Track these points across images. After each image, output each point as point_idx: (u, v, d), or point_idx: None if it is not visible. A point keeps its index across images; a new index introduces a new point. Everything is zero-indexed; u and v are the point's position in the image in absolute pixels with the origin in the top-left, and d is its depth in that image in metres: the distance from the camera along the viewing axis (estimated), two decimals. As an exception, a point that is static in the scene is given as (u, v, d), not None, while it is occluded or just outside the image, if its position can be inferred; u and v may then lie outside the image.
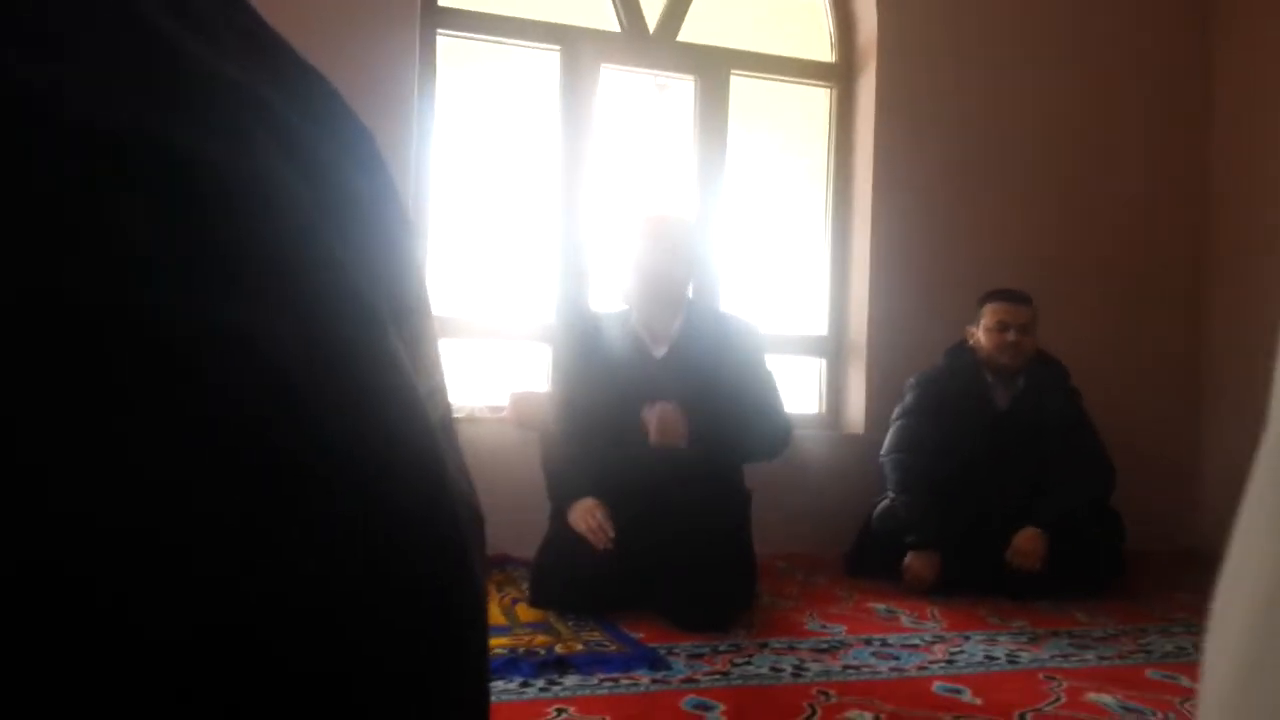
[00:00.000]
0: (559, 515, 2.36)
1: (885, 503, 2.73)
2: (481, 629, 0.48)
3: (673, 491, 2.21)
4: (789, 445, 2.42)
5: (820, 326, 3.43)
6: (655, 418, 2.25)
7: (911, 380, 2.86)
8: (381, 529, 0.38)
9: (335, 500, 0.36)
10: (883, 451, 2.79)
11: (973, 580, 2.53)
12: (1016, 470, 2.66)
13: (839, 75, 3.44)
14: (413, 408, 0.42)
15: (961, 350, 2.84)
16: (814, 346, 3.42)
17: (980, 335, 2.77)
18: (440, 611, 0.43)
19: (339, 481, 0.36)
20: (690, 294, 2.48)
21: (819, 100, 3.48)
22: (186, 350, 0.34)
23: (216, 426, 0.34)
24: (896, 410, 2.85)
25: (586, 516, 2.22)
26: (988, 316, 2.76)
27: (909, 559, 2.56)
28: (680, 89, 3.35)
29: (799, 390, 3.41)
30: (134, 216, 0.34)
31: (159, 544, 0.31)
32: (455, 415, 0.55)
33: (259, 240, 0.37)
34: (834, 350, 3.42)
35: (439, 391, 0.49)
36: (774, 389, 2.41)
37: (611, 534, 2.20)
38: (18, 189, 0.33)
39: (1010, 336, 2.70)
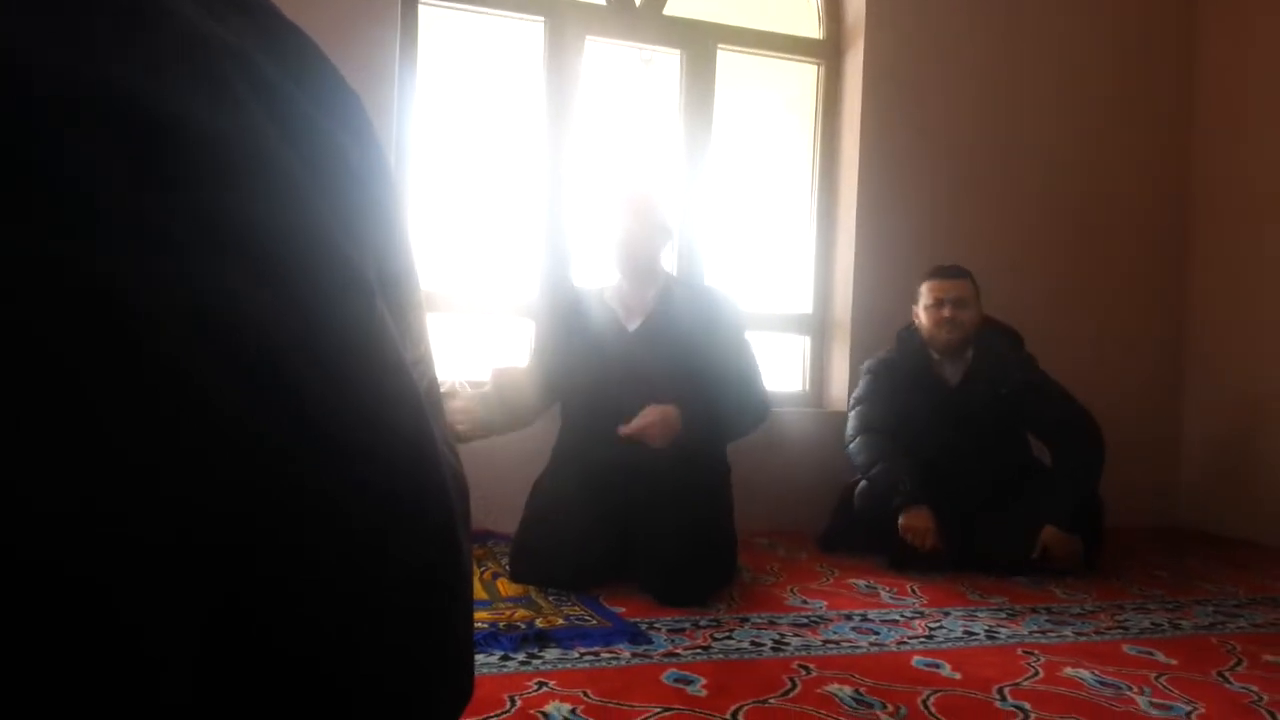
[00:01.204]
0: (539, 492, 2.36)
1: (865, 483, 2.73)
2: (467, 598, 0.48)
3: (653, 467, 2.20)
4: (767, 420, 2.42)
5: (805, 304, 3.43)
6: (652, 427, 2.21)
7: (864, 365, 2.89)
8: (369, 503, 0.37)
9: (320, 476, 0.35)
10: (847, 437, 2.80)
11: (956, 557, 2.54)
12: (980, 444, 2.67)
13: (826, 51, 3.42)
14: (401, 380, 0.41)
15: (910, 332, 2.85)
16: (798, 324, 3.42)
17: (920, 314, 2.79)
18: (427, 582, 0.42)
19: (324, 458, 0.35)
20: (665, 266, 2.46)
21: (806, 76, 3.45)
22: (150, 322, 0.31)
23: (183, 407, 0.32)
24: (853, 398, 2.86)
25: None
26: (925, 295, 2.78)
27: (903, 520, 2.54)
28: (666, 63, 3.32)
29: (783, 368, 3.41)
30: (95, 173, 0.32)
31: (128, 521, 0.30)
32: (440, 385, 0.54)
33: (240, 203, 0.35)
34: (818, 328, 3.42)
35: (425, 360, 0.48)
36: (752, 363, 2.41)
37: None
38: None
39: (946, 312, 2.71)
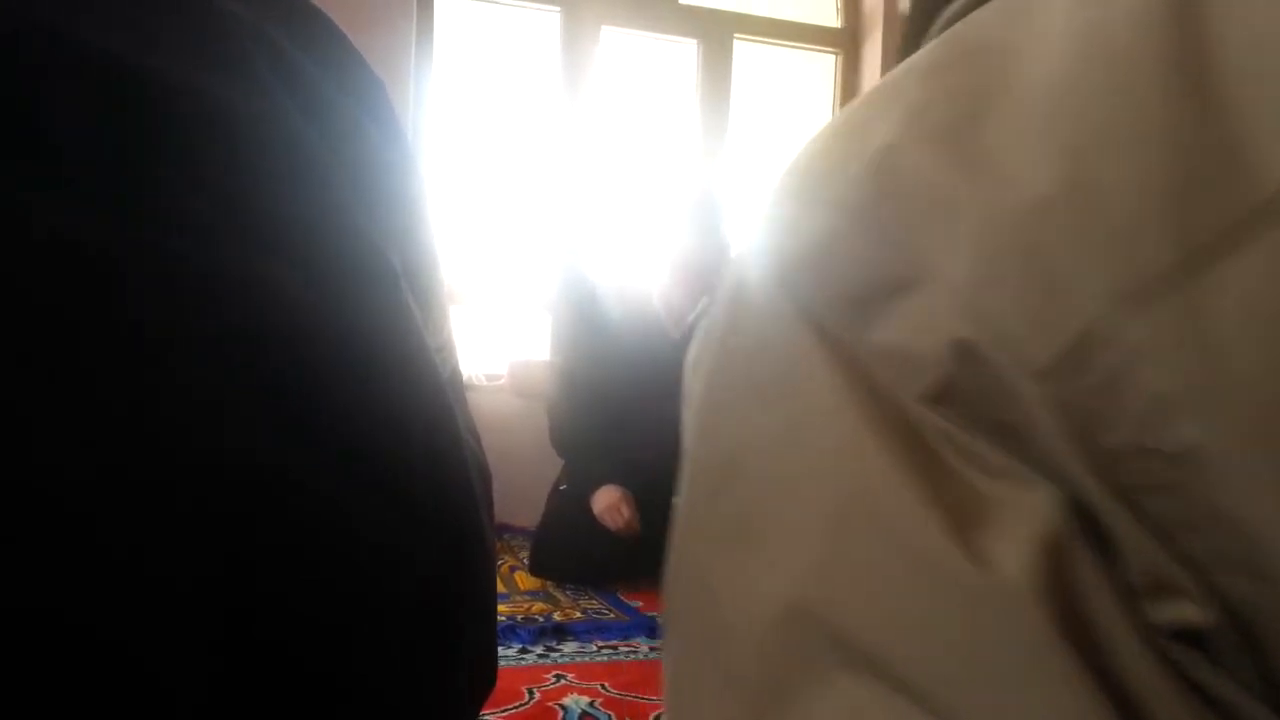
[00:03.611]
0: (566, 493, 2.33)
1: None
2: (489, 587, 0.47)
3: (674, 464, 2.19)
4: None
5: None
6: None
7: None
8: (395, 490, 0.36)
9: (350, 462, 0.34)
10: None
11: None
12: None
13: (844, 41, 3.39)
14: (425, 366, 0.40)
15: None
16: (814, 316, 3.39)
17: None
18: (446, 580, 0.41)
19: (354, 443, 0.34)
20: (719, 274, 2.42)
21: (824, 66, 3.43)
22: (135, 289, 0.30)
23: (161, 386, 0.30)
24: None
25: (613, 512, 2.18)
26: None
27: None
28: (683, 52, 3.29)
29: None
30: (94, 142, 0.30)
31: (169, 485, 0.29)
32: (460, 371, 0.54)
33: (261, 184, 0.34)
34: (834, 320, 3.39)
35: (447, 346, 0.48)
36: None
37: (637, 527, 2.17)
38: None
39: None
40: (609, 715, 1.34)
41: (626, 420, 2.27)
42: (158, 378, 0.28)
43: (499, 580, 2.16)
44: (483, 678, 0.47)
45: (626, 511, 2.17)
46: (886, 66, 3.25)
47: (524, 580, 2.17)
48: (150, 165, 0.31)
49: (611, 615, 1.89)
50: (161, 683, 0.27)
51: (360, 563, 0.34)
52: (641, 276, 2.42)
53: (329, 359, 0.34)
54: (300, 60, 0.40)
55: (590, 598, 2.03)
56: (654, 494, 2.20)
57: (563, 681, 1.48)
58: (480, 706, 0.48)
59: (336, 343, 0.34)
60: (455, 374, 0.49)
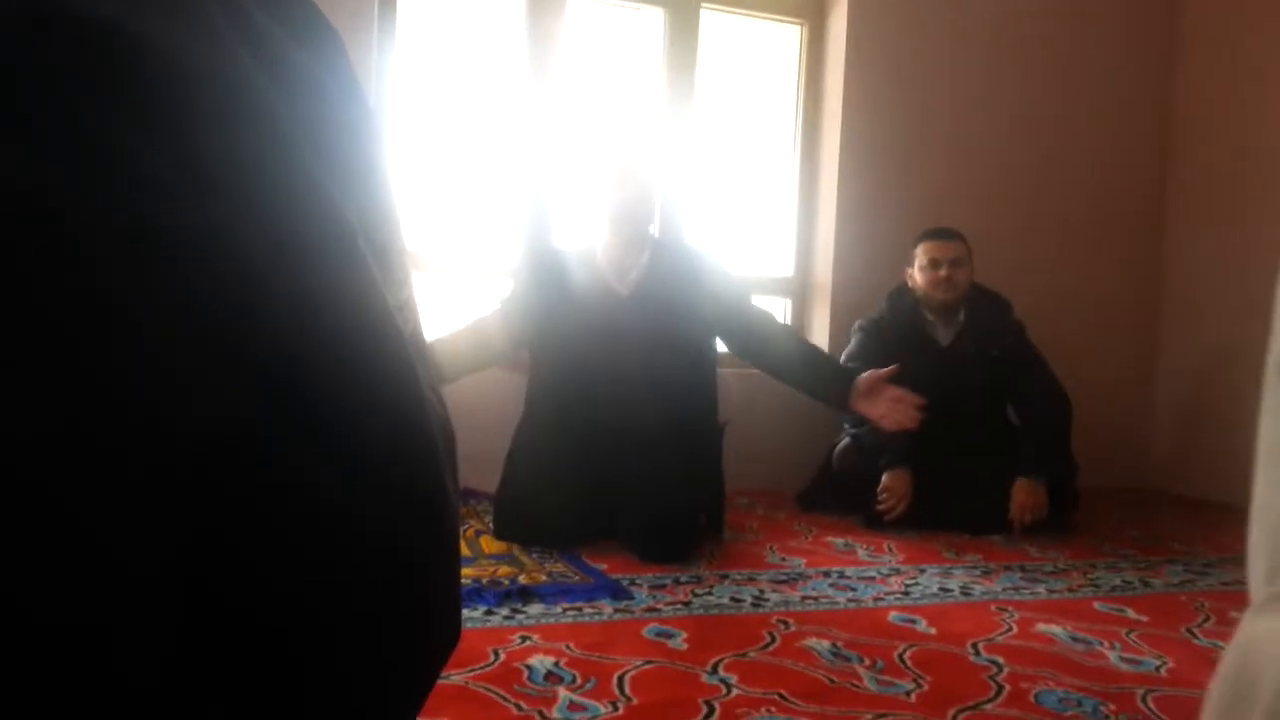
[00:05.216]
0: (517, 451, 2.36)
1: (845, 441, 2.76)
2: (453, 548, 0.48)
3: (638, 428, 2.21)
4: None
5: (786, 267, 3.43)
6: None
7: (856, 325, 2.92)
8: (361, 455, 0.36)
9: (316, 426, 0.34)
10: None
11: (933, 516, 2.58)
12: (966, 405, 2.71)
13: (810, 11, 3.39)
14: (385, 323, 0.40)
15: (901, 292, 2.90)
16: (780, 287, 3.42)
17: (915, 275, 2.84)
18: (418, 529, 0.41)
19: (320, 408, 0.34)
20: (655, 231, 2.46)
21: (790, 36, 3.42)
22: (84, 240, 0.29)
23: (113, 350, 0.29)
24: (844, 355, 2.89)
25: None
26: (920, 255, 2.83)
27: (885, 479, 2.60)
28: (649, 21, 3.27)
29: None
30: (55, 97, 0.30)
31: (128, 438, 0.28)
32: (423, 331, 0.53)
33: (219, 138, 0.34)
34: (799, 290, 3.42)
35: (409, 305, 0.48)
36: (748, 299, 2.47)
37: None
38: None
39: (943, 272, 2.76)
40: (573, 674, 1.37)
41: (572, 379, 2.30)
42: (113, 338, 0.27)
43: (465, 544, 2.17)
44: (447, 635, 0.47)
45: None
46: (852, 37, 3.26)
47: (489, 544, 2.19)
48: (103, 119, 0.30)
49: (576, 578, 1.91)
50: (114, 665, 0.26)
51: (324, 529, 0.34)
52: (584, 234, 2.45)
53: (290, 319, 0.33)
54: (258, 15, 0.40)
55: (555, 561, 2.05)
56: (612, 449, 2.22)
57: (528, 643, 1.50)
58: (444, 664, 0.49)
59: (297, 302, 0.34)
60: (417, 332, 0.49)
